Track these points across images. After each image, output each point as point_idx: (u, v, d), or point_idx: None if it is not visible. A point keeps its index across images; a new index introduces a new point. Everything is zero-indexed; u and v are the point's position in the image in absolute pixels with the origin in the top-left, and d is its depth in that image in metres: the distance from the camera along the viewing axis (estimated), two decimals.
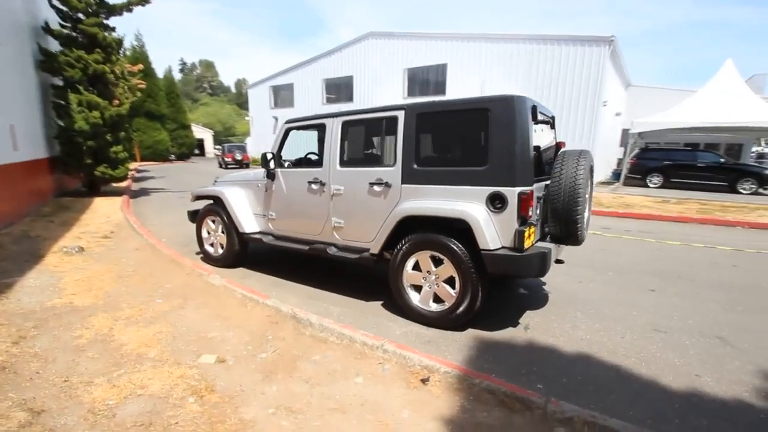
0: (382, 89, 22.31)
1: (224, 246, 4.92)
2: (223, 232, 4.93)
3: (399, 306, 3.55)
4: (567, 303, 3.91)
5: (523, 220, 2.98)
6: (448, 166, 3.25)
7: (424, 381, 2.47)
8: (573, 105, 16.73)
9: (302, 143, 5.54)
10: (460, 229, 3.16)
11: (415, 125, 3.37)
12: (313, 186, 4.04)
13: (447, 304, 3.28)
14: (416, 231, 3.36)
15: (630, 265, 5.21)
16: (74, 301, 3.61)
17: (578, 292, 4.23)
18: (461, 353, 2.93)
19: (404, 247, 3.40)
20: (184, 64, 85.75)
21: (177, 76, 64.78)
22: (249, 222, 4.68)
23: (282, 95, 27.91)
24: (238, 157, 25.25)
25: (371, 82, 22.83)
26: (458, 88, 19.64)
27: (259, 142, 29.07)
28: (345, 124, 3.85)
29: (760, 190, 13.28)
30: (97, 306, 3.54)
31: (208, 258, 5.12)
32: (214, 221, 5.04)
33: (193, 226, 5.27)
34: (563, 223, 3.22)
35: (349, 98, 24.03)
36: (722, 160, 14.64)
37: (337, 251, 3.90)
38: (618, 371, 2.73)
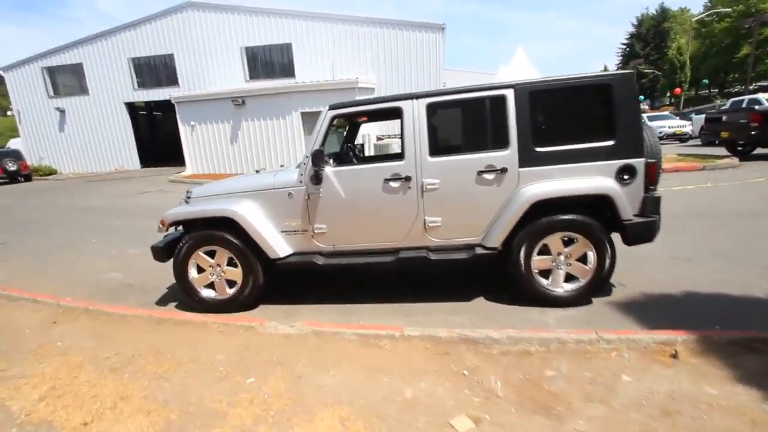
0: (217, 70, 19.53)
1: (239, 283, 3.61)
2: (234, 265, 3.60)
3: (520, 295, 3.42)
4: None
5: (647, 187, 3.25)
6: (570, 144, 3.21)
7: (674, 356, 2.50)
8: (419, 87, 18.31)
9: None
10: (588, 205, 3.22)
11: (529, 104, 3.18)
12: (392, 184, 3.36)
13: (583, 281, 3.33)
14: (535, 216, 3.23)
15: None
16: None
17: None
18: (627, 322, 3.07)
19: (531, 233, 3.24)
20: None
21: None
22: (279, 244, 3.56)
23: (65, 80, 21.16)
24: (11, 167, 18.02)
25: (200, 62, 19.70)
26: (308, 70, 18.95)
27: (34, 145, 21.62)
28: (431, 107, 3.30)
29: None
30: (192, 425, 2.14)
31: (206, 305, 3.68)
32: (212, 253, 3.62)
33: (107, 265, 3.68)
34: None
35: (172, 81, 20.25)
36: None
37: (437, 255, 3.41)
38: (727, 298, 3.36)
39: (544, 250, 3.33)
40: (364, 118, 4.57)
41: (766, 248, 4.36)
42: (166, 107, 19.30)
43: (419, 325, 3.18)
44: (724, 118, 11.19)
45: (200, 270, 3.68)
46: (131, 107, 21.53)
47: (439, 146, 3.35)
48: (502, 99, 3.21)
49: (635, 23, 54.50)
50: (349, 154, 4.30)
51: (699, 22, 43.55)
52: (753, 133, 10.01)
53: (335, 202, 3.47)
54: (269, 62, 19.65)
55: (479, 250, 3.36)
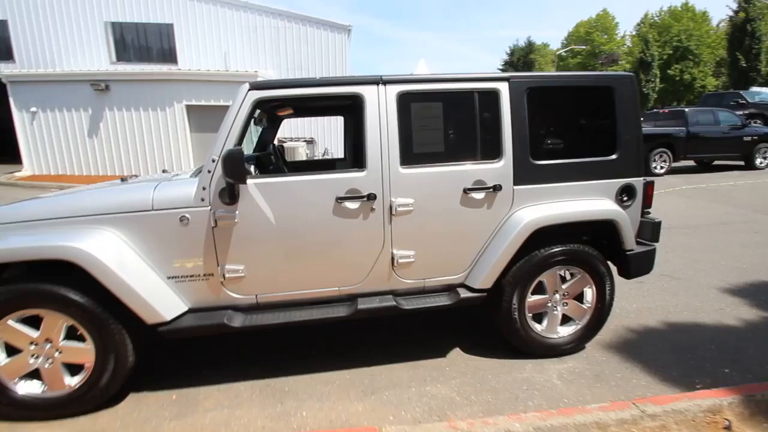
0: (70, 46, 15.75)
1: (89, 367, 2.17)
2: (79, 338, 2.15)
3: (511, 346, 2.70)
4: None
5: (643, 210, 2.80)
6: (570, 158, 2.59)
7: (727, 429, 1.97)
8: None
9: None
10: (583, 233, 2.66)
11: (526, 104, 2.47)
12: (348, 204, 2.33)
13: (579, 323, 2.73)
14: (529, 246, 2.54)
15: None
16: None
17: None
18: (639, 372, 2.54)
19: (527, 270, 2.53)
20: None
21: None
22: (164, 298, 2.24)
23: None
24: None
25: (47, 34, 15.68)
26: (194, 57, 16.46)
27: None
28: (404, 98, 2.37)
29: None
30: None
31: (27, 409, 2.16)
32: (35, 321, 2.11)
33: None
34: None
35: (5, 55, 15.74)
36: None
37: (410, 303, 2.48)
38: (705, 327, 3.09)
39: (538, 289, 2.66)
40: (290, 110, 3.42)
41: (702, 266, 4.41)
42: None
43: (392, 405, 2.24)
44: None
45: (12, 351, 2.13)
46: None
47: (413, 153, 2.42)
48: (494, 94, 2.44)
49: (508, 52, 61.79)
50: (275, 159, 3.11)
51: (558, 56, 51.15)
52: None
53: (259, 230, 2.29)
54: (144, 44, 16.52)
55: (464, 293, 2.53)
